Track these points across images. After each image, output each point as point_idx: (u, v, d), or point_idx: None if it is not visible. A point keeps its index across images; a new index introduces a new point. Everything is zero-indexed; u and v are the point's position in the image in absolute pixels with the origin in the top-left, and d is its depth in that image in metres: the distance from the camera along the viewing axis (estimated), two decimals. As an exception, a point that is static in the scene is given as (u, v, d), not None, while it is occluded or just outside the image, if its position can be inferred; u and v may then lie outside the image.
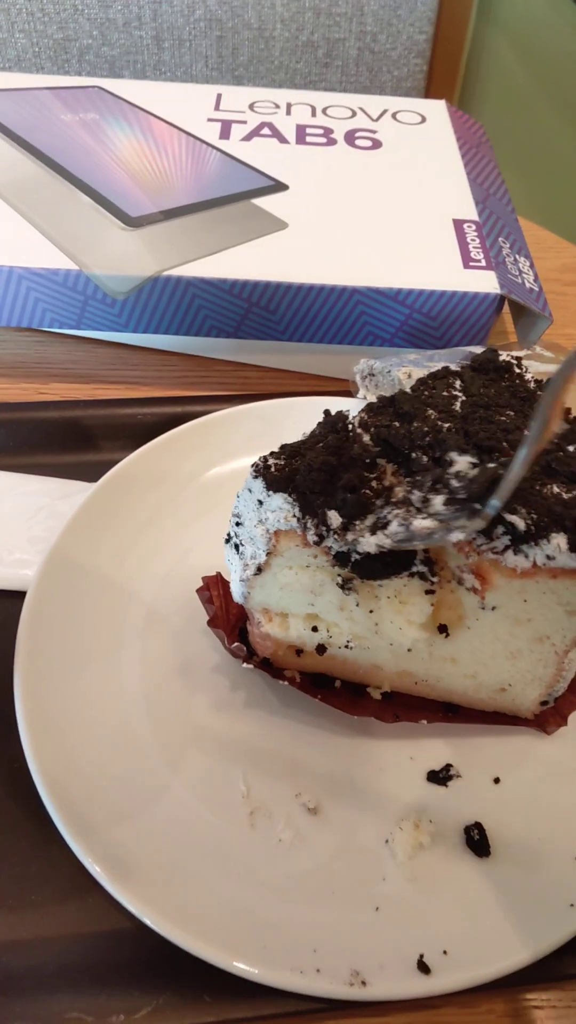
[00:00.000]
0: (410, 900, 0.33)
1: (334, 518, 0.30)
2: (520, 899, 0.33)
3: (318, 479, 0.30)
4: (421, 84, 1.41)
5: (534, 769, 0.37)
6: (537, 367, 0.46)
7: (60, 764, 0.34)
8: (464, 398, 0.34)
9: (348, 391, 0.53)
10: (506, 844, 0.35)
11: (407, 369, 0.41)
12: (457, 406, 0.33)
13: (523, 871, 0.34)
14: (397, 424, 0.32)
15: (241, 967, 0.30)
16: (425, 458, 0.30)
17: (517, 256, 0.54)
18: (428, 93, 1.45)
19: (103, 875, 0.31)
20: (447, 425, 0.32)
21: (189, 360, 0.58)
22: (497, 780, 0.37)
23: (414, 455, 0.31)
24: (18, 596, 0.41)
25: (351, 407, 0.49)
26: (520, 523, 0.29)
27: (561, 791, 0.37)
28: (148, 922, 0.31)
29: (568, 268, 0.68)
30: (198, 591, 0.40)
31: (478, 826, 0.35)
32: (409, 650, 0.35)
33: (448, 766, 0.37)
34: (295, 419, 0.49)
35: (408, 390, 0.34)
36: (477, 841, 0.35)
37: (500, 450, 0.31)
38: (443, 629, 0.35)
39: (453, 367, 0.35)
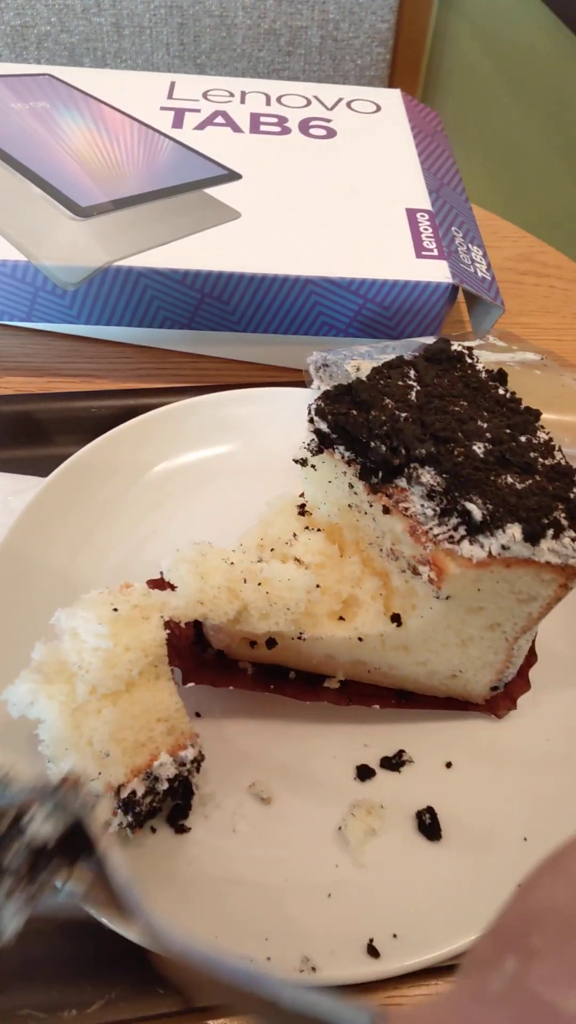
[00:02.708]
0: (362, 886, 0.33)
1: None
2: (470, 881, 0.34)
3: None
4: (384, 73, 1.41)
5: (485, 753, 0.38)
6: (489, 356, 0.47)
7: (9, 758, 0.34)
8: (419, 388, 0.34)
9: (303, 382, 0.53)
10: (457, 828, 0.35)
11: (356, 362, 0.41)
12: (412, 396, 0.33)
13: (473, 854, 0.35)
14: (355, 412, 0.32)
15: (193, 956, 0.30)
16: (383, 447, 0.31)
17: (470, 245, 0.55)
18: (391, 82, 1.45)
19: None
20: (404, 415, 0.32)
21: (144, 352, 0.58)
22: (449, 764, 0.37)
23: (372, 444, 0.31)
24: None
25: (305, 398, 0.49)
26: (477, 513, 0.29)
27: (510, 774, 0.37)
28: (96, 914, 0.31)
29: (524, 257, 0.68)
30: None
31: (430, 810, 0.36)
32: (361, 639, 0.36)
33: (400, 752, 0.37)
34: (248, 410, 0.49)
35: (365, 378, 0.34)
36: (428, 825, 0.35)
37: (455, 440, 0.32)
38: (396, 618, 0.35)
39: (407, 356, 0.35)
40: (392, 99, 0.66)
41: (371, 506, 0.34)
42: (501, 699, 0.38)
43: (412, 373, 0.35)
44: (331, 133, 0.61)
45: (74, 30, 1.28)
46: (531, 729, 0.38)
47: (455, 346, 0.36)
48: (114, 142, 0.57)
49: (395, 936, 0.32)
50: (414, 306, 0.51)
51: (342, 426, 0.32)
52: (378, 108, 0.65)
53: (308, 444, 0.34)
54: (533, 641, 0.38)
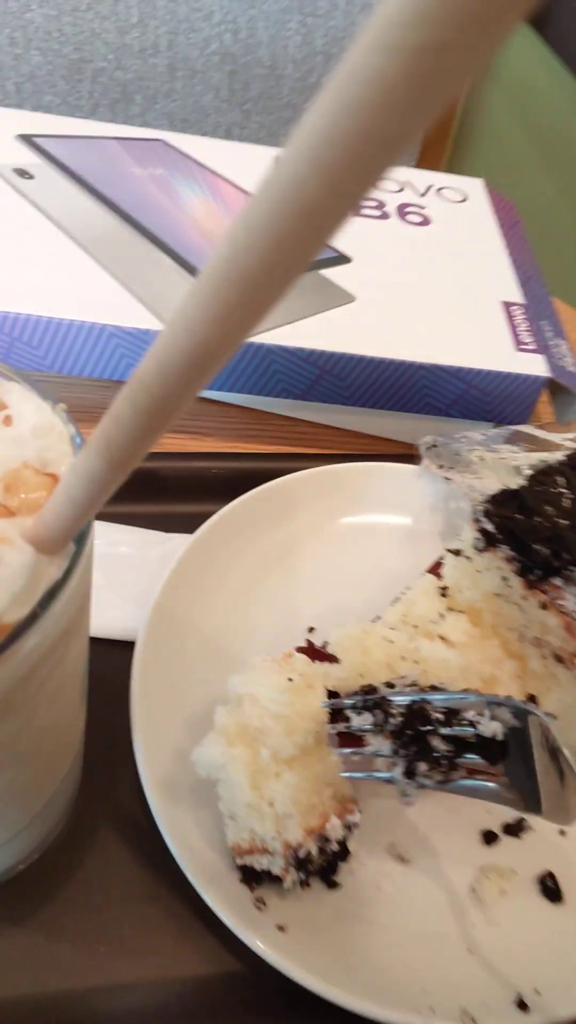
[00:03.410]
0: (498, 943, 0.37)
1: None
2: (592, 942, 0.37)
3: None
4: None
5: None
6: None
7: (178, 809, 0.37)
8: (571, 495, 0.38)
9: (406, 453, 0.56)
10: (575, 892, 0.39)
11: (479, 452, 0.46)
12: (567, 503, 0.37)
13: (592, 916, 0.38)
14: (520, 516, 0.36)
15: (365, 1006, 0.33)
16: (547, 551, 0.35)
17: (557, 339, 0.59)
18: (424, 144, 1.52)
19: (231, 920, 0.34)
20: (564, 521, 0.36)
21: (246, 412, 0.61)
22: (563, 832, 0.41)
23: (536, 546, 0.35)
24: (120, 644, 0.43)
25: (414, 474, 0.53)
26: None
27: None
28: (273, 963, 0.33)
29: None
30: None
31: (550, 875, 0.39)
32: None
33: (521, 819, 0.41)
34: (374, 484, 0.53)
35: (524, 483, 0.38)
36: (551, 888, 0.39)
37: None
38: (531, 698, 0.39)
39: (554, 463, 0.40)
40: (476, 188, 0.71)
41: (525, 599, 0.38)
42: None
43: (562, 481, 0.39)
44: (426, 221, 0.66)
45: (129, 68, 1.32)
46: None
47: (593, 455, 0.41)
48: (232, 215, 0.61)
49: (537, 992, 0.35)
50: (512, 395, 0.55)
51: (509, 528, 0.36)
52: (465, 197, 0.70)
53: (474, 541, 0.38)
54: None
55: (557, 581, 0.36)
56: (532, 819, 0.41)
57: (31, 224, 0.55)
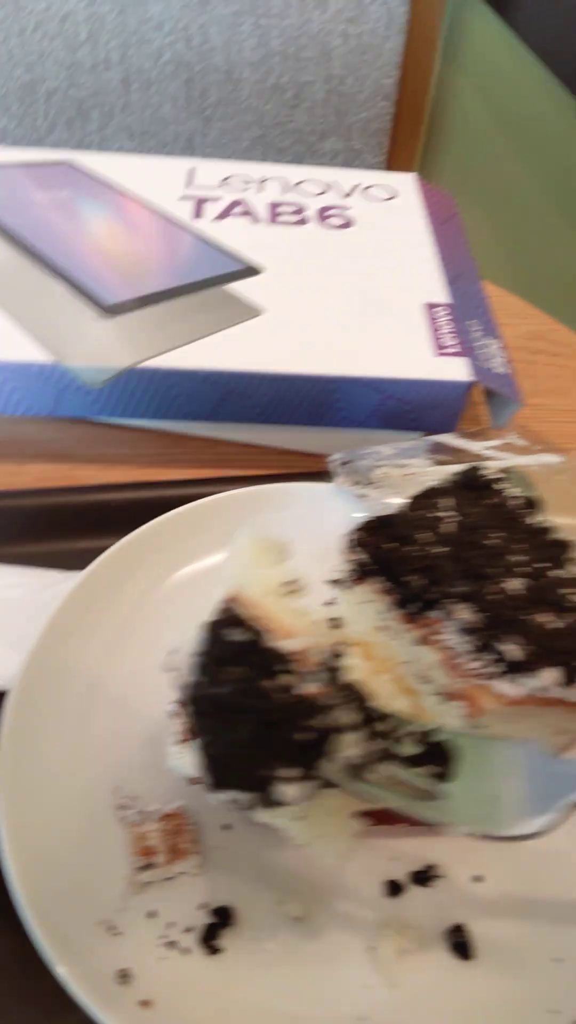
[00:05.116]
0: (394, 1008, 0.34)
1: None
2: (502, 1004, 0.34)
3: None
4: (388, 125, 1.44)
5: (516, 865, 0.38)
6: (513, 460, 0.48)
7: (43, 882, 0.35)
8: (454, 519, 0.35)
9: (323, 469, 0.54)
10: (488, 945, 0.36)
11: (384, 470, 0.43)
12: (448, 528, 0.34)
13: (504, 974, 0.35)
14: (394, 545, 0.33)
15: None
16: (421, 582, 0.32)
17: (487, 339, 0.56)
18: (395, 133, 1.48)
19: (86, 996, 0.32)
20: (440, 550, 0.33)
21: (164, 437, 0.59)
22: (479, 878, 0.38)
23: (409, 578, 0.32)
24: None
25: (327, 493, 0.50)
26: (514, 654, 0.30)
27: (542, 887, 0.38)
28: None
29: (536, 335, 0.70)
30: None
31: (461, 928, 0.36)
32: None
33: (430, 866, 0.38)
34: (285, 506, 0.50)
35: (403, 510, 0.35)
36: (460, 944, 0.36)
37: (490, 576, 0.33)
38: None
39: (439, 485, 0.36)
40: (407, 185, 0.68)
41: (405, 634, 0.35)
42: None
43: (446, 503, 0.36)
44: (348, 223, 0.63)
45: (83, 85, 1.30)
46: (565, 845, 0.39)
47: (485, 472, 0.38)
48: (137, 235, 0.59)
49: (431, 1067, 0.32)
50: (434, 402, 0.52)
51: (382, 559, 0.33)
52: (394, 195, 0.67)
53: (347, 572, 0.35)
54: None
55: (435, 614, 0.33)
56: (444, 866, 0.38)
57: None
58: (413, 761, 0.33)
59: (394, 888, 0.37)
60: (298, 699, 0.28)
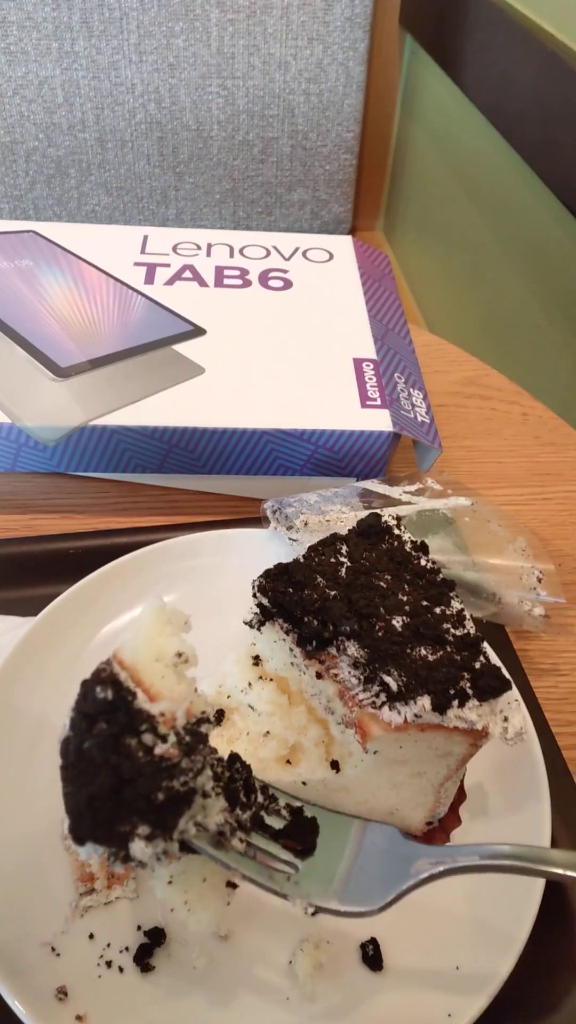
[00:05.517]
0: (312, 1018, 0.37)
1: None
2: (407, 1011, 0.37)
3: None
4: (351, 176, 1.51)
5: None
6: (426, 504, 0.52)
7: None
8: (349, 564, 0.39)
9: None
10: (398, 956, 0.39)
11: (305, 517, 0.47)
12: (342, 572, 0.38)
13: (411, 983, 0.38)
14: (291, 591, 0.37)
15: None
16: (315, 622, 0.36)
17: (411, 390, 0.61)
18: (359, 183, 1.56)
19: (26, 1012, 0.35)
20: (333, 593, 0.37)
21: (121, 486, 0.63)
22: (392, 895, 0.41)
23: (305, 619, 0.36)
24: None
25: (263, 538, 0.54)
26: (393, 685, 0.34)
27: (445, 902, 0.41)
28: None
29: (469, 380, 0.75)
30: None
31: (373, 941, 0.39)
32: (304, 783, 0.40)
33: (347, 884, 0.41)
34: (214, 552, 0.54)
35: (301, 557, 0.39)
36: (371, 956, 0.39)
37: (377, 615, 0.37)
38: (335, 765, 0.39)
39: (339, 533, 0.40)
40: (344, 246, 0.73)
41: (307, 668, 0.39)
42: (436, 832, 0.42)
43: (344, 549, 0.40)
44: (287, 284, 0.68)
45: (60, 145, 1.37)
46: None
47: (384, 518, 0.42)
48: (92, 300, 0.64)
49: (337, 1069, 0.35)
50: (360, 451, 0.56)
51: (280, 603, 0.37)
52: (331, 256, 0.72)
53: (253, 615, 0.39)
54: (462, 781, 0.43)
55: (332, 650, 0.37)
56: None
57: None
58: (279, 834, 0.35)
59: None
60: (158, 759, 0.28)
